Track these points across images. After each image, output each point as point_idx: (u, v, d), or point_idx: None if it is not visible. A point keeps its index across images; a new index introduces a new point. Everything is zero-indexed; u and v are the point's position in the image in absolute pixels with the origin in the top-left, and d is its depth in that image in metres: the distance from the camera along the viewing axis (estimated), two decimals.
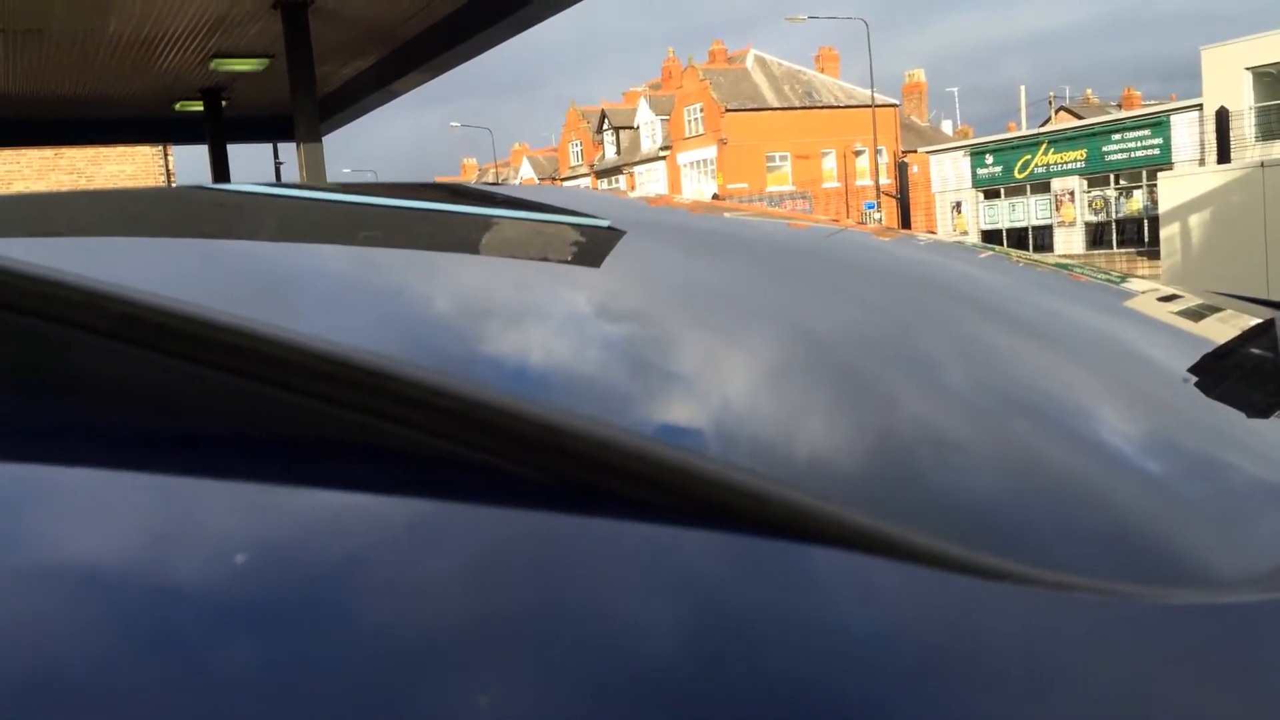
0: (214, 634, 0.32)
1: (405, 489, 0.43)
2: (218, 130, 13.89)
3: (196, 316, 0.45)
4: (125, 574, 0.36)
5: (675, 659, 0.32)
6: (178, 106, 13.75)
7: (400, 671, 0.30)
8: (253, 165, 24.21)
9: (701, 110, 48.53)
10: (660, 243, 0.99)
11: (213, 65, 11.25)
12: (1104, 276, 1.22)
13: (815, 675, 0.31)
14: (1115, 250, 27.90)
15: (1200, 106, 25.46)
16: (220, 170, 14.37)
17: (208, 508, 0.42)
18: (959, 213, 32.78)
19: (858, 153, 46.65)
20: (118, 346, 0.46)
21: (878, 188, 36.06)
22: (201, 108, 13.51)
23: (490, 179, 67.17)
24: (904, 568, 0.37)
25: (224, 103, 13.46)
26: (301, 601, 0.34)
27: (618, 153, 55.03)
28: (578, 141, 58.66)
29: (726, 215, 1.28)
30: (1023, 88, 54.17)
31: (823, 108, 49.17)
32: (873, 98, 39.67)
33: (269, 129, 15.37)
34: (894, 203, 18.64)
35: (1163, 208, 8.89)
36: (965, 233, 32.06)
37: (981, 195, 32.73)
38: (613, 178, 54.86)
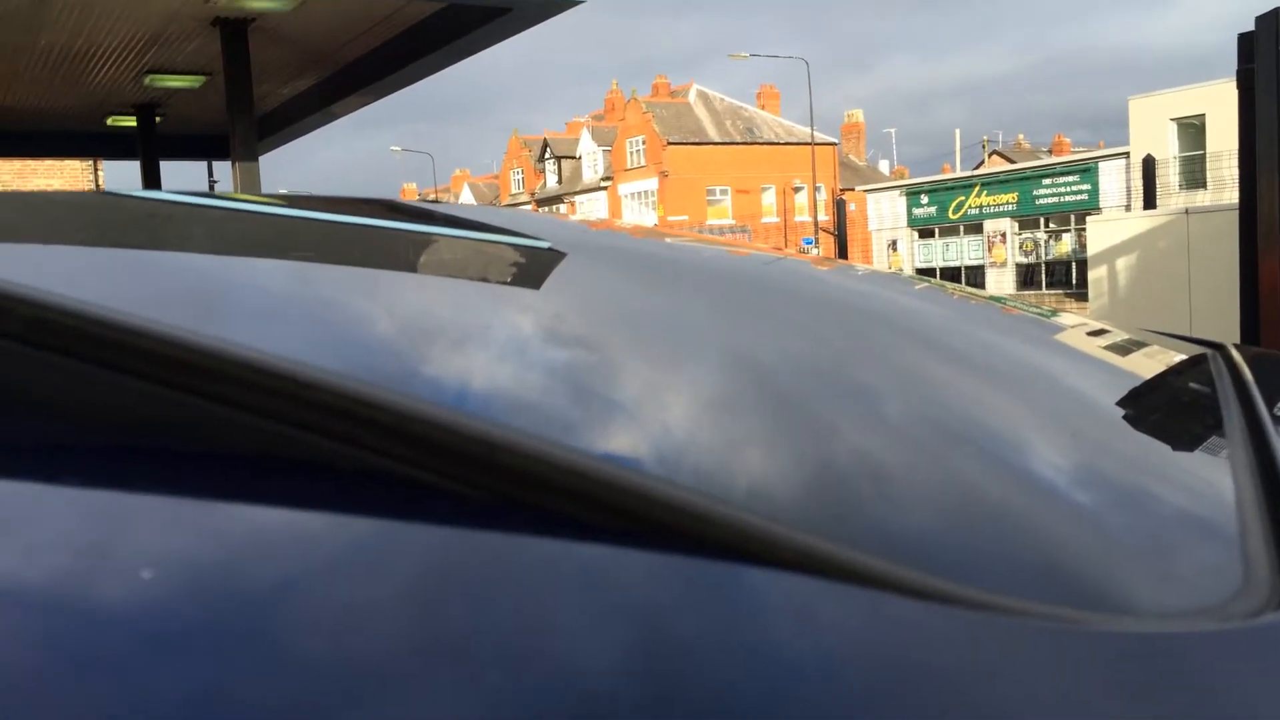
0: (138, 656, 0.30)
1: (343, 506, 0.40)
2: (150, 146, 13.64)
3: (117, 323, 0.43)
4: (35, 593, 0.34)
5: (615, 683, 0.31)
6: (110, 121, 13.48)
7: (327, 694, 0.29)
8: (186, 183, 23.83)
9: (644, 142, 48.89)
10: (600, 264, 0.97)
11: (147, 81, 11.04)
12: (1038, 311, 1.23)
13: (756, 698, 0.31)
14: (1044, 291, 28.57)
15: (1127, 154, 26.27)
16: (152, 187, 14.05)
17: (128, 523, 0.39)
18: (895, 251, 33.35)
19: (797, 189, 47.31)
20: (28, 351, 0.43)
21: (816, 224, 36.55)
22: (134, 123, 13.26)
23: None
24: (849, 590, 0.36)
25: (158, 119, 13.23)
26: (230, 622, 0.32)
27: (559, 182, 55.16)
28: (519, 169, 58.70)
29: (667, 239, 1.27)
30: (958, 131, 55.49)
31: (763, 144, 49.84)
32: (812, 135, 40.26)
33: (204, 147, 15.13)
34: (832, 239, 18.92)
35: (1091, 251, 9.10)
36: (900, 270, 32.61)
37: (916, 234, 33.35)
38: (554, 206, 54.92)
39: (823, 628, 0.35)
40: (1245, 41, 4.75)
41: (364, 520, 0.40)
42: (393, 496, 0.40)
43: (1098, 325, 1.17)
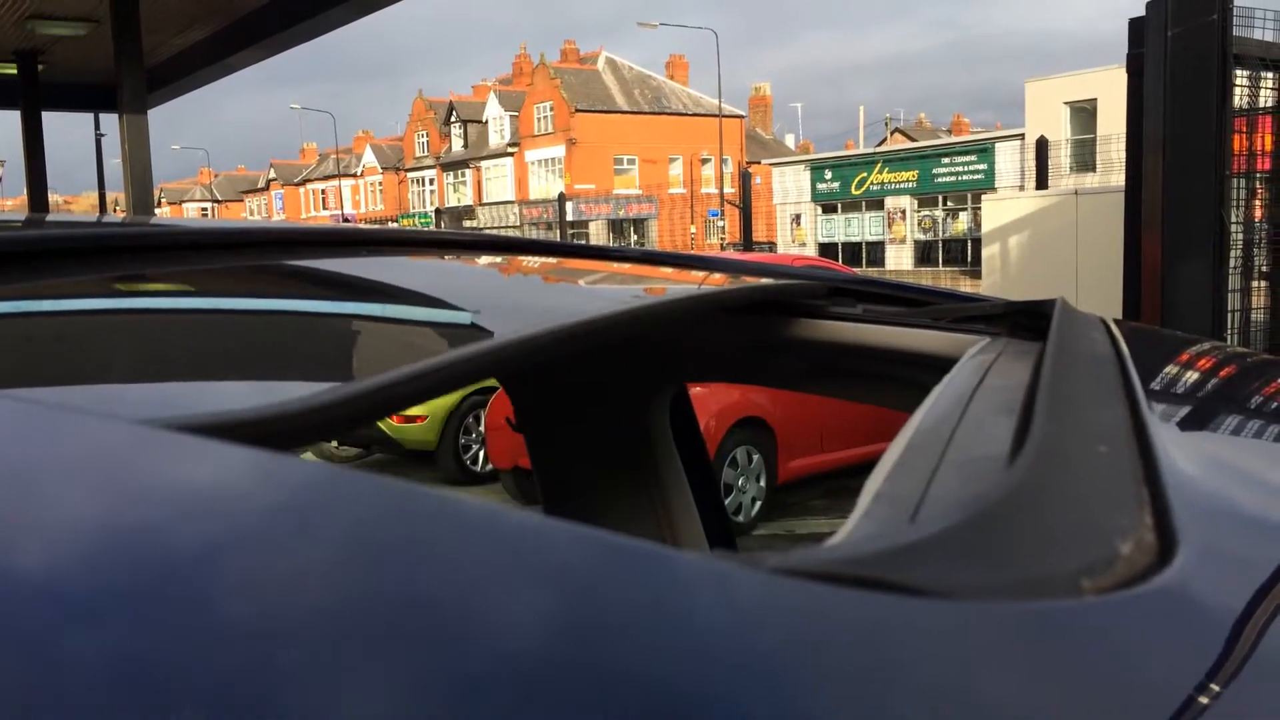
0: (52, 623, 0.28)
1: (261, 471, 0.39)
2: (32, 96, 13.02)
3: None
4: None
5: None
6: None
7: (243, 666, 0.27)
8: (71, 136, 22.87)
9: (551, 109, 48.45)
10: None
11: (29, 26, 10.51)
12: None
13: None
14: (941, 268, 29.28)
15: (1022, 136, 26.98)
16: (34, 139, 13.47)
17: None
18: (798, 225, 33.75)
19: (704, 160, 47.47)
20: None
21: (722, 196, 36.76)
22: (15, 71, 12.63)
23: (331, 165, 65.33)
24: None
25: (40, 67, 12.62)
26: (150, 589, 0.30)
27: (465, 146, 54.33)
28: (424, 132, 57.59)
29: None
30: (862, 108, 56.33)
31: (671, 114, 49.84)
32: (720, 107, 40.42)
33: (90, 98, 14.48)
34: (737, 211, 19.05)
35: (985, 229, 9.34)
36: (804, 244, 33.02)
37: (820, 209, 33.79)
38: (459, 171, 54.12)
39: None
40: (1136, 27, 4.90)
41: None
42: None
43: (1003, 300, 1.21)
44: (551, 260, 1.50)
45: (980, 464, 0.54)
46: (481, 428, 7.39)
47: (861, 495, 0.49)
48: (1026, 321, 1.09)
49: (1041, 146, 10.87)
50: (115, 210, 26.75)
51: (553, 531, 0.36)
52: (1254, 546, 0.52)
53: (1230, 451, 0.72)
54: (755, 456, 6.37)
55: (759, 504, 6.40)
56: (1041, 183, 10.78)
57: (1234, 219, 4.97)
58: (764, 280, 1.32)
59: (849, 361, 1.22)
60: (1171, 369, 1.02)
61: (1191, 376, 1.00)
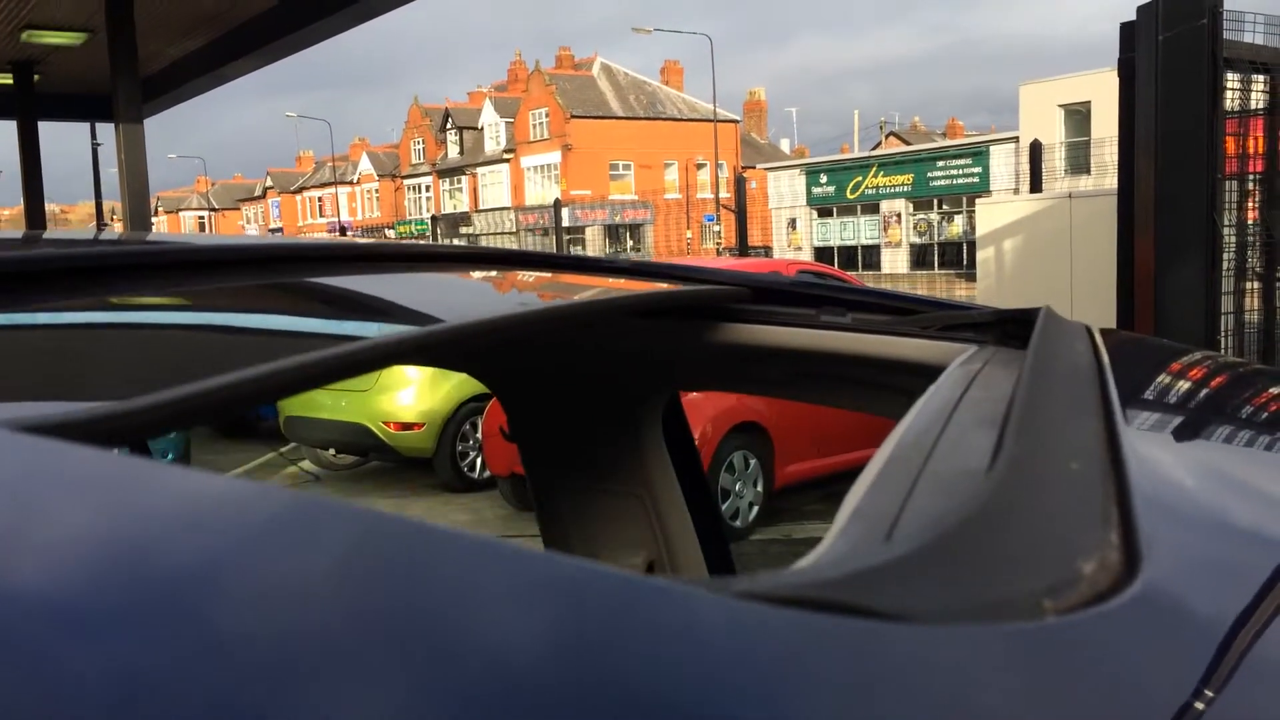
0: (51, 638, 0.27)
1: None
2: (28, 106, 13.03)
3: None
4: None
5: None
6: None
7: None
8: (68, 145, 22.86)
9: (547, 115, 48.45)
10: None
11: (24, 36, 10.51)
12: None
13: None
14: (936, 271, 29.24)
15: (1017, 139, 27.01)
16: (31, 149, 13.48)
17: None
18: (794, 229, 33.74)
19: (699, 165, 47.47)
20: None
21: (717, 201, 36.79)
22: (11, 81, 12.63)
23: (328, 173, 65.30)
24: None
25: (36, 77, 12.62)
26: (147, 603, 0.29)
27: (461, 153, 54.30)
28: (420, 139, 57.55)
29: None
30: (856, 112, 56.43)
31: (666, 119, 49.84)
32: (715, 112, 40.45)
33: (86, 108, 14.47)
34: (733, 216, 19.06)
35: (980, 232, 9.37)
36: (799, 249, 33.03)
37: (815, 213, 33.79)
38: (455, 177, 54.12)
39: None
40: (1126, 31, 4.92)
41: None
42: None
43: (990, 308, 1.22)
44: (504, 269, 1.52)
45: (958, 479, 0.55)
46: (479, 434, 7.39)
47: (840, 511, 0.50)
48: (1015, 330, 1.10)
49: (1035, 150, 10.90)
50: (112, 219, 26.71)
51: (514, 559, 0.35)
52: (1220, 560, 0.53)
53: (1203, 463, 0.73)
54: (752, 461, 6.37)
55: (756, 509, 6.40)
56: (1036, 186, 10.80)
57: (1227, 221, 4.98)
58: (675, 286, 1.37)
59: (839, 369, 1.23)
60: (1151, 380, 1.03)
61: (1170, 388, 1.01)
